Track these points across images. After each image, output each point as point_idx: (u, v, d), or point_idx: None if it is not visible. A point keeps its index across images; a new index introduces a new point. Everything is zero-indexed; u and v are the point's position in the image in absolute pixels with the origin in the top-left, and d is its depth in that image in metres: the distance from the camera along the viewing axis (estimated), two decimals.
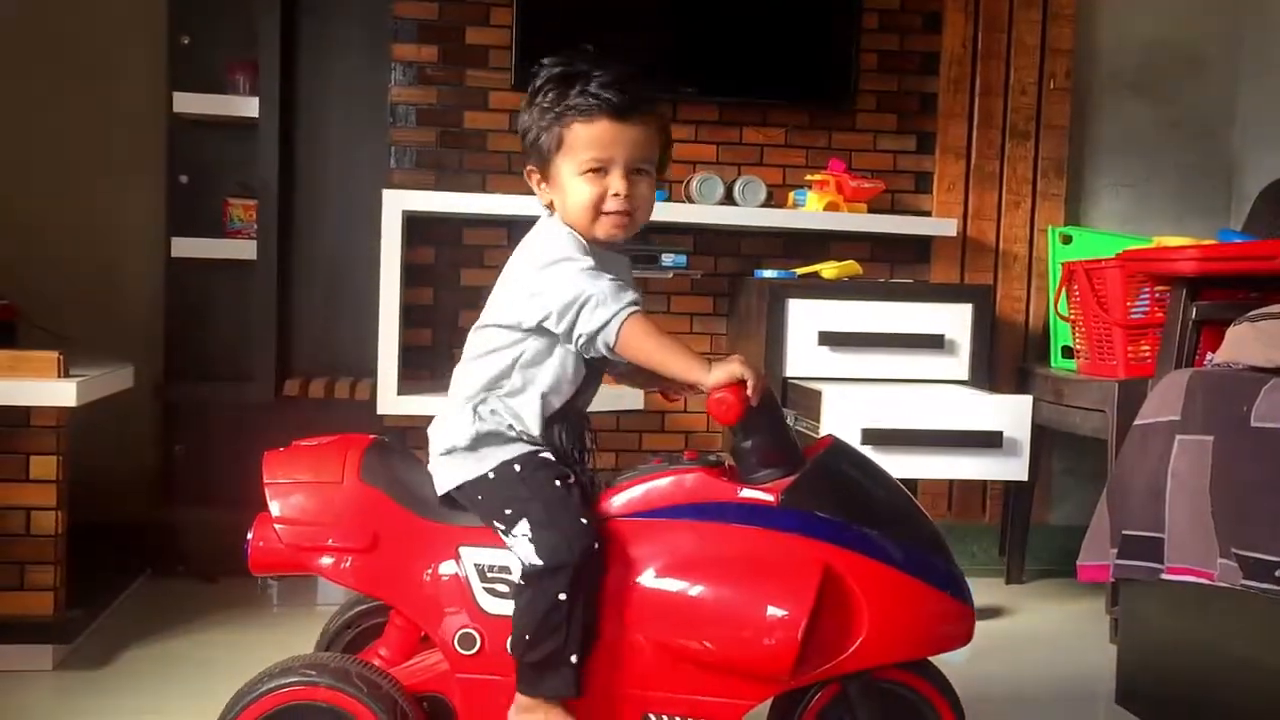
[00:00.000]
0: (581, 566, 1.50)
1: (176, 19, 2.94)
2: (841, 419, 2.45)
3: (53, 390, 2.18)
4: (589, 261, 1.57)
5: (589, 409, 1.71)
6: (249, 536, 1.60)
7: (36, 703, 2.11)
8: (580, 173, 1.59)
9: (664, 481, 1.57)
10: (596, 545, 1.52)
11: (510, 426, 1.61)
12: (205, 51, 2.94)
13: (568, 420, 1.64)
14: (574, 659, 1.50)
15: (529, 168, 1.66)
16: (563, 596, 1.49)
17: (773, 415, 1.58)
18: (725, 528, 1.54)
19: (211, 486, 2.89)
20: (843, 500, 1.56)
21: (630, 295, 1.55)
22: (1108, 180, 3.36)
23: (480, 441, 1.60)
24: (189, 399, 2.97)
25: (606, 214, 1.60)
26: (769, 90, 3.10)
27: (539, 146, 1.62)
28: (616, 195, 1.59)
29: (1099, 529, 2.19)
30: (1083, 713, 2.29)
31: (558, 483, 1.57)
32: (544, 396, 1.61)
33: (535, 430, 1.61)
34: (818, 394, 2.51)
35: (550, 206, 1.66)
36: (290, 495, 1.59)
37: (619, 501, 1.58)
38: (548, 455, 1.61)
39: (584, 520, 1.53)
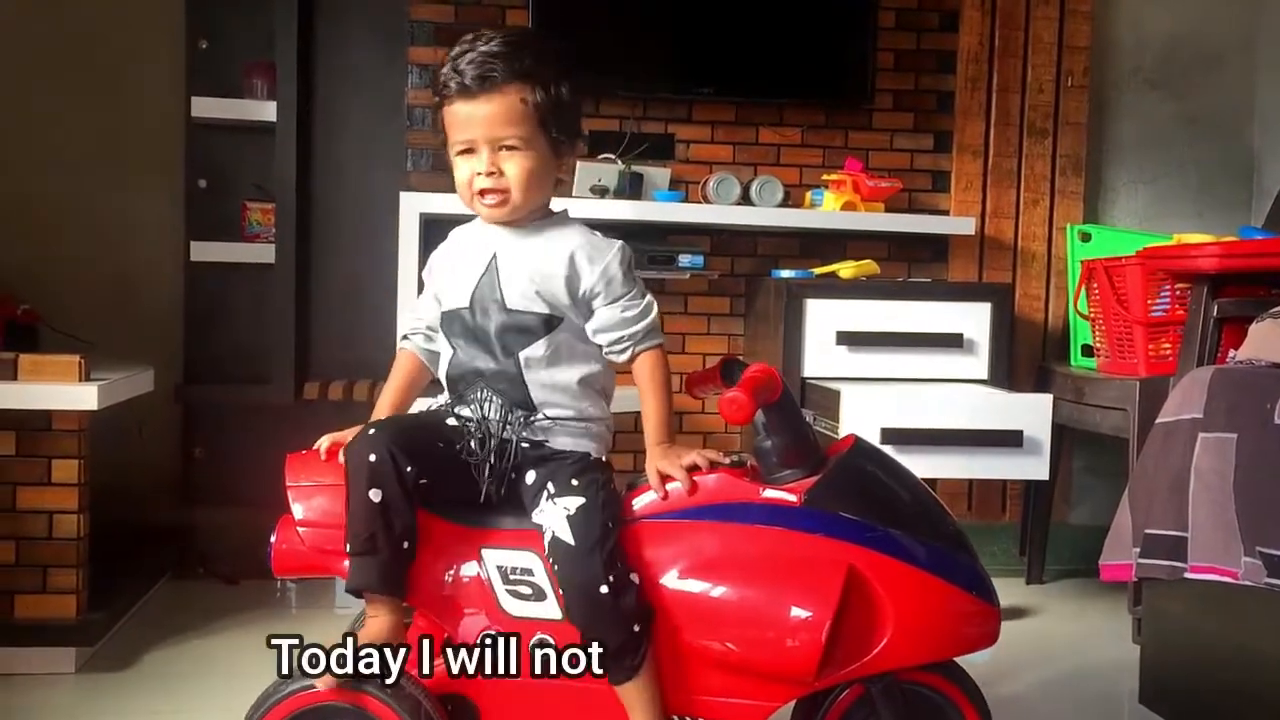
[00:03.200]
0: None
1: (194, 24, 2.96)
2: (860, 419, 2.44)
3: (74, 394, 2.19)
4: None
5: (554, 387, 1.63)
6: (272, 539, 1.60)
7: (60, 705, 2.12)
8: (455, 155, 1.59)
9: None
10: (373, 456, 1.47)
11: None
12: (223, 56, 2.95)
13: (471, 384, 1.61)
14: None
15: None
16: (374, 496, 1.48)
17: (793, 414, 1.57)
18: (748, 528, 1.53)
19: (231, 489, 2.91)
20: (866, 500, 1.55)
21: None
22: (1126, 177, 3.34)
23: None
24: (208, 402, 2.99)
25: (479, 194, 1.58)
26: (785, 90, 3.09)
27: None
28: (479, 174, 1.57)
29: (1121, 528, 2.18)
30: (1107, 713, 2.28)
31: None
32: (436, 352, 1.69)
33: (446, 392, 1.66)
34: (836, 394, 2.50)
35: None
36: (313, 498, 1.59)
37: (640, 503, 1.57)
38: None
39: (371, 430, 1.52)
